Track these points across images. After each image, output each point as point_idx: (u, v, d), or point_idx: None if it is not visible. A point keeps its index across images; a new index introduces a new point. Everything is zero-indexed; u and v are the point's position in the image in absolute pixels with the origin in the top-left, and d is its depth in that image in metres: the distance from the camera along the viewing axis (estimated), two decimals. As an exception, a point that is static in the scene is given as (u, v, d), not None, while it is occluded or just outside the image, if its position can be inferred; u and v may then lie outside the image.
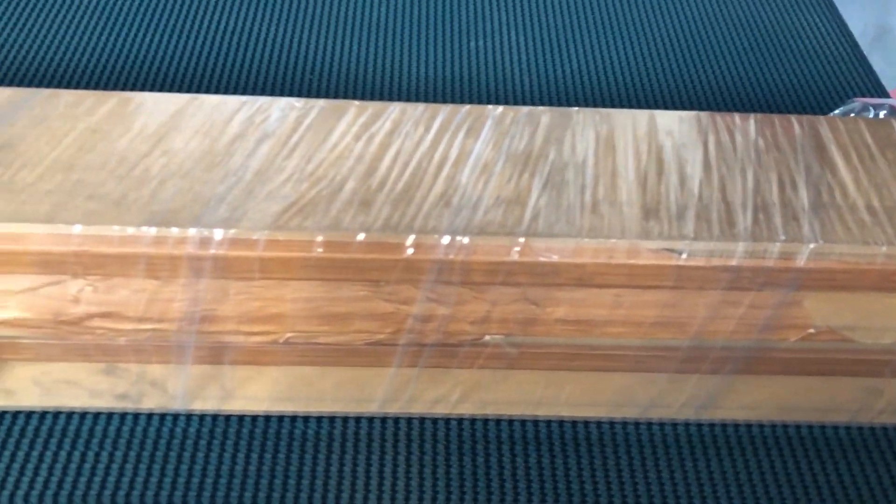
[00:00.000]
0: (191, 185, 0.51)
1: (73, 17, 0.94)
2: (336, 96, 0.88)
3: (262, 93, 0.88)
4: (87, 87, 0.85)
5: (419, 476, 0.59)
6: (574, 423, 0.62)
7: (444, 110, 0.57)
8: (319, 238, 0.49)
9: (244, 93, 0.86)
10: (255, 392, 0.59)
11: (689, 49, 0.97)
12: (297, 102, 0.57)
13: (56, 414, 0.60)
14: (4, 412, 0.60)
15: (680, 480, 0.60)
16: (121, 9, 0.95)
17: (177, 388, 0.58)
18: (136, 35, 0.92)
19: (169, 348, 0.55)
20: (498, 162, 0.54)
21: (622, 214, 0.52)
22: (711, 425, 0.62)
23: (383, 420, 0.62)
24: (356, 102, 0.57)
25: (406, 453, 0.60)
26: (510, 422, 0.62)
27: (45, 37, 0.91)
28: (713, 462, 0.61)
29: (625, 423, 0.62)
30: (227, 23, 0.95)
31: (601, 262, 0.51)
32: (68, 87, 0.85)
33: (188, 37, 0.93)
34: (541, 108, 0.58)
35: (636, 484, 0.59)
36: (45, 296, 0.51)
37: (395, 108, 0.57)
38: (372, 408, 0.60)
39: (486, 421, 0.62)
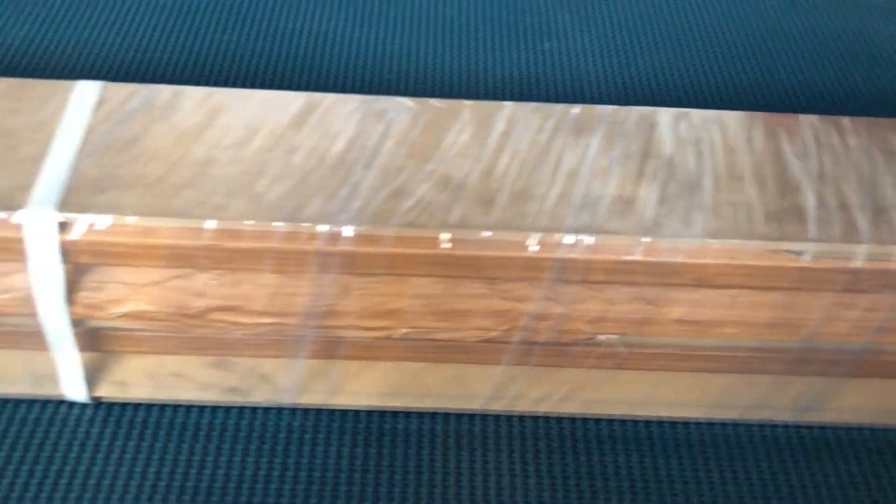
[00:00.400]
0: (317, 181, 0.52)
1: (177, 17, 0.95)
2: (411, 94, 0.89)
3: (343, 91, 0.89)
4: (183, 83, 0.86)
5: (523, 474, 0.59)
6: (674, 423, 0.62)
7: (556, 110, 0.57)
8: (445, 235, 0.50)
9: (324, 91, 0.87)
10: (362, 387, 0.59)
11: (756, 53, 0.97)
12: (409, 102, 0.58)
13: (162, 406, 0.61)
14: (113, 404, 0.60)
15: (783, 482, 0.60)
16: (213, 9, 0.97)
17: (287, 382, 0.58)
18: (221, 34, 0.94)
19: (284, 342, 0.56)
20: (615, 162, 0.54)
21: (743, 215, 0.52)
22: (810, 427, 0.62)
23: (484, 417, 0.62)
24: (468, 102, 0.58)
25: (508, 451, 0.61)
26: (610, 421, 0.62)
27: (146, 35, 0.92)
28: (814, 465, 0.61)
29: (724, 424, 0.62)
30: (303, 23, 0.96)
31: (723, 262, 0.51)
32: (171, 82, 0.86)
33: (269, 37, 0.94)
34: (653, 108, 0.58)
35: (738, 485, 0.59)
36: (171, 289, 0.52)
37: (507, 108, 0.57)
38: (476, 405, 0.60)
39: (585, 420, 0.62)
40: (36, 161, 0.51)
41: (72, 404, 0.60)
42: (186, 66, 0.89)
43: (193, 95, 0.56)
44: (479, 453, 0.60)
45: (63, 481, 0.57)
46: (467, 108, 0.57)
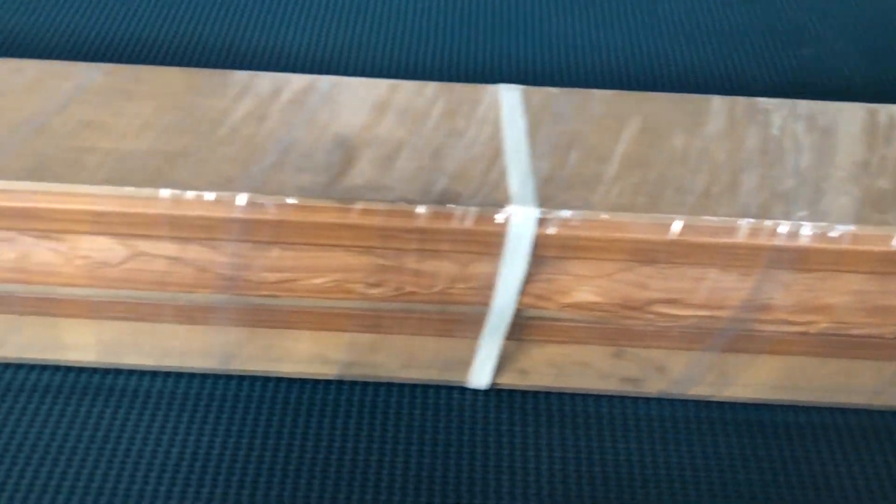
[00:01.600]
0: (755, 179, 0.54)
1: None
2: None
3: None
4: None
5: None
6: None
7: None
8: (900, 233, 0.52)
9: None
10: (750, 380, 0.61)
11: None
12: (774, 102, 0.60)
13: (547, 394, 0.63)
14: (502, 390, 0.63)
15: None
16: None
17: (683, 374, 0.61)
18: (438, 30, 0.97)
19: (699, 335, 0.58)
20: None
21: None
22: None
23: (856, 411, 0.64)
24: (845, 105, 0.60)
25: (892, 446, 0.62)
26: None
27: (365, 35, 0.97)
28: None
29: None
30: (548, 26, 0.99)
31: None
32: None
33: (504, 37, 0.97)
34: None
35: None
36: (617, 281, 0.55)
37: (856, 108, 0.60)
38: (860, 400, 0.62)
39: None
40: (495, 160, 0.54)
41: (464, 390, 0.64)
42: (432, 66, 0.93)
43: (603, 98, 0.59)
44: (863, 445, 0.62)
45: (477, 463, 0.60)
46: (837, 108, 0.60)
